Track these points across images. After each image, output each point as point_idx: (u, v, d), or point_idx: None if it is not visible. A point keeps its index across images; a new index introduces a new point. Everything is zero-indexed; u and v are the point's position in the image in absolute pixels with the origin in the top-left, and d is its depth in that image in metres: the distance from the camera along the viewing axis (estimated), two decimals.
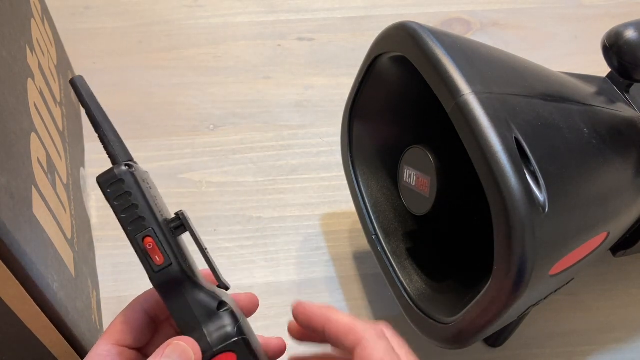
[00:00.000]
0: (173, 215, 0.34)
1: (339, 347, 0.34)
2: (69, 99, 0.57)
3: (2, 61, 0.36)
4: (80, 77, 0.34)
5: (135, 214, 0.32)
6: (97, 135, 0.34)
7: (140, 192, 0.32)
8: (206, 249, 0.34)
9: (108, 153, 0.34)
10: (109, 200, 0.33)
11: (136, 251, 0.33)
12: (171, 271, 0.32)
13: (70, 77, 0.61)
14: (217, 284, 0.35)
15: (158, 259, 0.32)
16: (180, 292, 0.33)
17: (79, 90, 0.34)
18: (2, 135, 0.33)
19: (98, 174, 0.33)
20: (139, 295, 0.36)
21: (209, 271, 0.35)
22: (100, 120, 0.34)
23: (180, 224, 0.33)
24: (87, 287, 0.47)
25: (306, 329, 0.36)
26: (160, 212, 0.33)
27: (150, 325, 0.36)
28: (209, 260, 0.34)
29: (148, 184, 0.34)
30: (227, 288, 0.35)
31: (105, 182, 0.33)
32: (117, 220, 0.51)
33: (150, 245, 0.32)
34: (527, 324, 0.52)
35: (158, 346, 0.36)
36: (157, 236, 0.32)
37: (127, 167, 0.33)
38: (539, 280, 0.37)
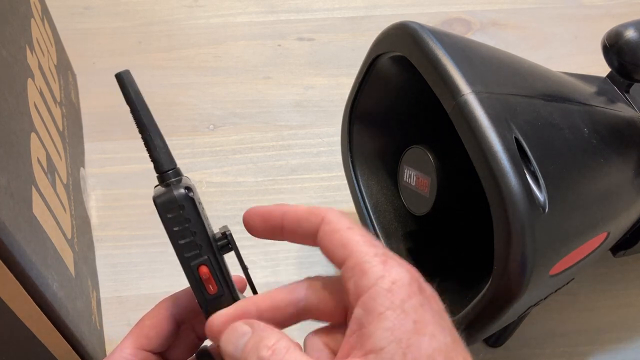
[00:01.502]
0: (218, 232, 0.33)
1: (300, 235, 0.32)
2: (69, 99, 0.57)
3: (2, 61, 0.36)
4: (127, 72, 0.32)
5: (192, 242, 0.31)
6: (141, 137, 0.32)
7: (199, 219, 0.31)
8: (247, 267, 0.34)
9: (152, 158, 0.32)
10: (166, 226, 0.31)
11: (189, 278, 0.32)
12: (223, 300, 0.32)
13: (71, 77, 0.62)
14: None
15: (212, 288, 0.32)
16: None
17: (125, 86, 0.32)
18: (2, 135, 0.33)
19: (154, 195, 0.31)
20: (167, 298, 0.35)
21: (238, 277, 0.34)
22: (147, 122, 0.32)
23: (227, 243, 0.33)
24: (87, 287, 0.47)
25: (264, 229, 0.34)
26: (213, 235, 0.32)
27: (176, 330, 0.35)
28: (251, 280, 0.34)
29: (201, 204, 0.32)
30: None
31: (165, 205, 0.31)
32: (117, 221, 0.51)
33: (205, 276, 0.31)
34: (527, 324, 0.52)
35: (179, 350, 0.36)
36: (212, 265, 0.32)
37: (186, 191, 0.31)
38: (539, 280, 0.37)
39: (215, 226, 0.34)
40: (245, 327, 0.30)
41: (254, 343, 0.29)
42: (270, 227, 0.33)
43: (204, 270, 0.31)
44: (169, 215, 0.31)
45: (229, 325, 0.31)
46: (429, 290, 0.30)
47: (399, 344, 0.27)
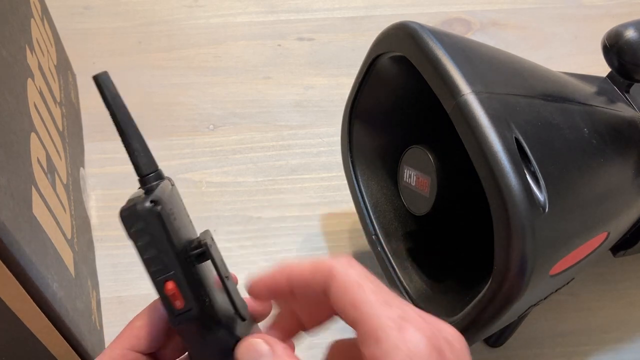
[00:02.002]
0: (195, 240, 0.32)
1: (310, 294, 0.31)
2: (69, 99, 0.57)
3: (2, 61, 0.36)
4: (105, 74, 0.31)
5: (157, 257, 0.30)
6: (121, 141, 0.31)
7: (164, 233, 0.30)
8: (227, 277, 0.33)
9: (132, 162, 0.31)
10: (131, 239, 0.30)
11: (157, 292, 0.31)
12: (190, 315, 0.31)
13: (71, 77, 0.62)
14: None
15: (179, 303, 0.31)
16: (199, 333, 0.32)
17: (102, 89, 0.31)
18: (2, 135, 0.33)
19: (123, 206, 0.30)
20: (158, 299, 0.36)
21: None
22: (124, 126, 0.31)
23: (203, 251, 0.32)
24: (87, 287, 0.47)
25: (273, 298, 0.34)
26: (183, 242, 0.31)
27: (167, 331, 0.35)
28: (228, 291, 0.33)
29: (173, 214, 0.31)
30: (243, 319, 0.34)
31: (128, 219, 0.30)
32: (117, 221, 0.50)
33: (171, 292, 0.31)
34: (527, 324, 0.52)
35: (171, 351, 0.36)
36: (178, 281, 0.31)
37: (151, 204, 0.30)
38: (539, 280, 0.37)
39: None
40: (264, 347, 0.30)
41: None
42: (279, 295, 0.32)
43: (170, 286, 0.31)
44: (132, 230, 0.30)
45: (247, 341, 0.31)
46: (450, 354, 0.27)
47: None
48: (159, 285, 0.31)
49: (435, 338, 0.27)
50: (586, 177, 0.40)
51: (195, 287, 0.31)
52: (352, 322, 0.28)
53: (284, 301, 0.33)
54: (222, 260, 0.34)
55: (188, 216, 0.34)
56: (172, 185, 0.33)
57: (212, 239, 0.33)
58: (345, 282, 0.28)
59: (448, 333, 0.28)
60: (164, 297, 0.31)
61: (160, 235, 0.30)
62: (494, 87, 0.39)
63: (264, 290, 0.32)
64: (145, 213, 0.30)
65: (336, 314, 0.30)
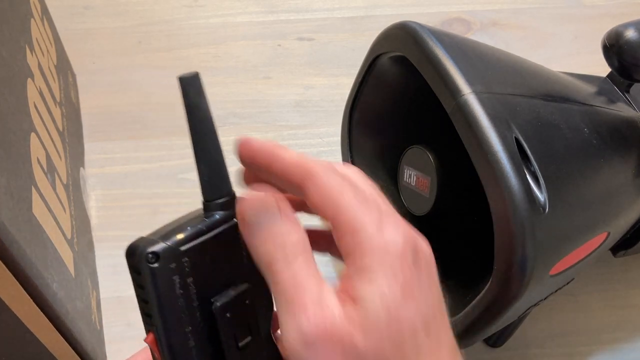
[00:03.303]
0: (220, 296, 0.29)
1: (287, 187, 0.29)
2: (69, 99, 0.57)
3: (2, 61, 0.36)
4: (195, 76, 0.28)
5: (145, 307, 0.28)
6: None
7: (154, 289, 0.27)
8: (240, 347, 0.29)
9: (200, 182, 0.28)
10: (131, 276, 0.28)
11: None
12: None
13: (71, 77, 0.62)
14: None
15: (157, 355, 0.29)
16: None
17: (183, 94, 0.27)
18: (2, 135, 0.33)
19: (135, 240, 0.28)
20: None
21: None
22: (197, 141, 0.28)
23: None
24: (87, 287, 0.47)
25: (250, 168, 0.31)
26: (200, 296, 0.28)
27: None
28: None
29: (191, 267, 0.28)
30: None
31: (128, 256, 0.28)
32: (117, 221, 0.50)
33: (150, 343, 0.28)
34: (527, 324, 0.52)
35: None
36: (158, 337, 0.28)
37: (150, 256, 0.27)
38: (539, 281, 0.37)
39: None
40: (271, 202, 0.28)
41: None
42: (256, 167, 0.30)
43: (149, 338, 0.28)
44: (129, 266, 0.28)
45: (252, 194, 0.29)
46: (425, 258, 0.29)
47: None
48: (145, 331, 0.29)
49: (413, 239, 0.29)
50: (586, 177, 0.40)
51: (181, 348, 0.28)
52: (330, 218, 0.28)
53: (258, 173, 0.31)
54: (248, 323, 0.30)
55: (243, 259, 0.30)
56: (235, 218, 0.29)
57: (239, 301, 0.29)
58: (324, 190, 0.28)
59: (422, 242, 0.30)
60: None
61: (150, 288, 0.27)
62: (494, 87, 0.39)
63: (247, 155, 0.30)
64: (138, 262, 0.27)
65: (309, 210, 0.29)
